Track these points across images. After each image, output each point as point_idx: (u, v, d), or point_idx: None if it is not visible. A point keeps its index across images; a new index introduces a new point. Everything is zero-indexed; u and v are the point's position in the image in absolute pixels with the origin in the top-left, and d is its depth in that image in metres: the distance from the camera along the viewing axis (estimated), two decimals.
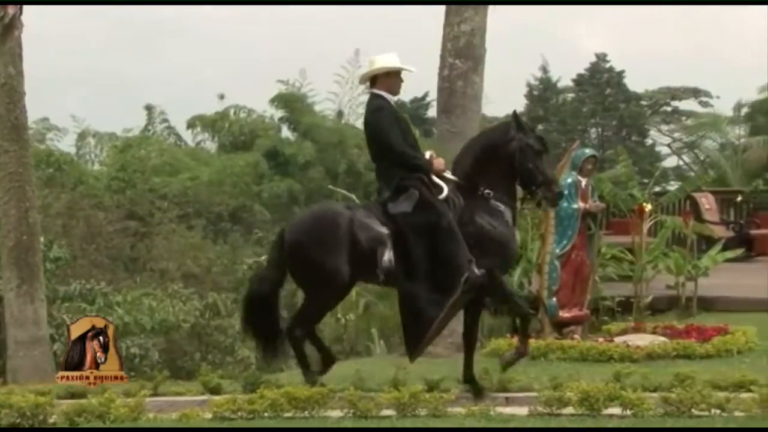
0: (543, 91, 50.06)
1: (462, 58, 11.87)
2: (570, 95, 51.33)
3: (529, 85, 50.04)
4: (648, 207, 13.53)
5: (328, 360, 8.78)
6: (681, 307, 13.71)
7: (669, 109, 51.81)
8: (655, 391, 8.06)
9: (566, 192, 11.75)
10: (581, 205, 11.82)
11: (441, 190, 8.37)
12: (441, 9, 12.12)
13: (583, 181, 11.94)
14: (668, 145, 50.26)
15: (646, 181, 17.94)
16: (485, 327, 12.54)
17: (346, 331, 16.38)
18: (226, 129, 34.59)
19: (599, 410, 7.61)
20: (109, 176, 30.57)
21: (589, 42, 71.87)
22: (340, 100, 36.33)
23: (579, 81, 50.82)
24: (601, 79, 50.88)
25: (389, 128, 8.47)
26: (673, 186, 28.76)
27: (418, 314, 8.21)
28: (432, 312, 8.17)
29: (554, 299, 11.72)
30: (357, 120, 36.40)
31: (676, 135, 49.59)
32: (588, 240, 12.10)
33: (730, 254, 15.12)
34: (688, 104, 50.30)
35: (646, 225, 13.52)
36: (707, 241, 16.53)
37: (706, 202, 20.51)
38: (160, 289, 19.82)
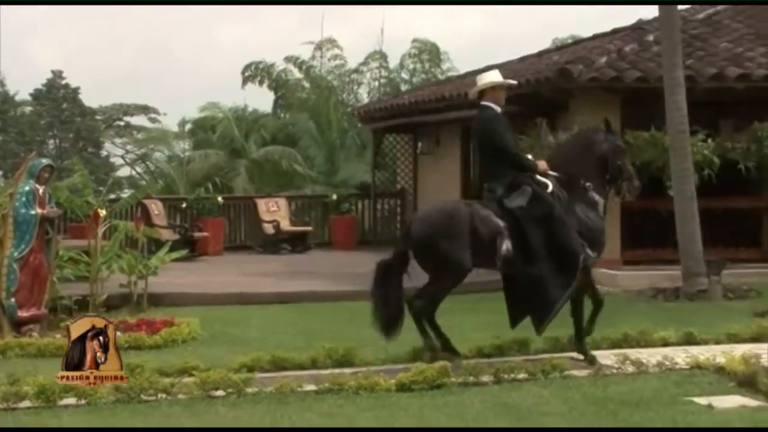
0: (1, 104, 48.37)
1: None
2: (28, 108, 50.27)
3: None
4: (103, 212, 13.58)
5: (449, 350, 8.94)
6: (133, 304, 13.81)
7: (122, 123, 52.41)
8: None
9: (24, 199, 11.58)
10: (39, 211, 11.64)
11: (547, 186, 8.98)
12: None
13: (41, 189, 11.79)
14: (122, 157, 50.64)
15: (101, 189, 17.89)
16: None
17: None
18: None
19: (55, 402, 7.57)
20: None
21: (46, 59, 70.52)
22: None
23: (36, 95, 50.11)
24: (58, 95, 50.33)
25: (504, 134, 9.09)
26: (126, 193, 28.95)
27: (545, 295, 8.79)
28: (556, 293, 8.77)
29: (13, 300, 11.48)
30: None
31: (129, 147, 50.24)
32: (46, 244, 11.93)
33: (176, 254, 15.51)
34: (139, 120, 51.15)
35: (101, 229, 13.56)
36: (156, 243, 16.85)
37: (156, 208, 20.97)
38: None
